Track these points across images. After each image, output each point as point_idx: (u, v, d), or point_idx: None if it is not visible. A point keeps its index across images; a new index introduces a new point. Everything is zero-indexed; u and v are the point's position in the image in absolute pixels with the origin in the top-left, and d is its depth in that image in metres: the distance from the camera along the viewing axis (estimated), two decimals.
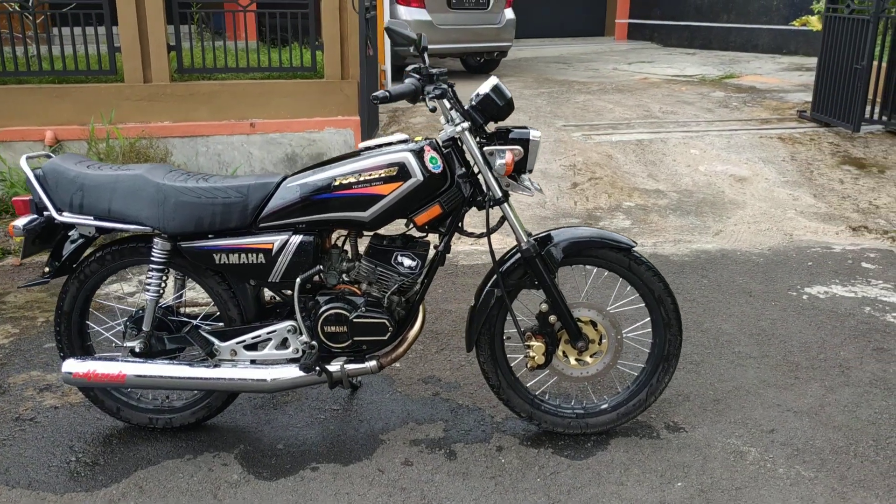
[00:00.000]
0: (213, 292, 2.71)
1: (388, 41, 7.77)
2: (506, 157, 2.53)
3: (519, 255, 2.68)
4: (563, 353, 2.75)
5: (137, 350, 2.72)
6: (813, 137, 6.84)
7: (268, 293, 2.86)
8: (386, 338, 2.65)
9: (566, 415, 2.81)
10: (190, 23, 6.00)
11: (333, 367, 2.65)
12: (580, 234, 2.70)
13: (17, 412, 3.01)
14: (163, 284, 2.69)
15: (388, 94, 2.46)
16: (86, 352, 2.84)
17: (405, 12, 8.79)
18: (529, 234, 2.66)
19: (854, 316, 3.78)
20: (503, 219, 2.68)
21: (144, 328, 2.72)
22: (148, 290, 2.68)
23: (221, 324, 2.78)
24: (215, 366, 2.69)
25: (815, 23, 10.14)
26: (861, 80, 6.55)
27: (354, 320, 2.62)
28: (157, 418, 2.85)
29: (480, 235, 2.72)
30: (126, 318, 2.82)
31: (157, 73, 5.82)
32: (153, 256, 2.65)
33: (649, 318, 2.77)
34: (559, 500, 2.48)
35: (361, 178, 2.55)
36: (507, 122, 2.66)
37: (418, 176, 2.55)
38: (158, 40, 5.76)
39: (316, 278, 2.69)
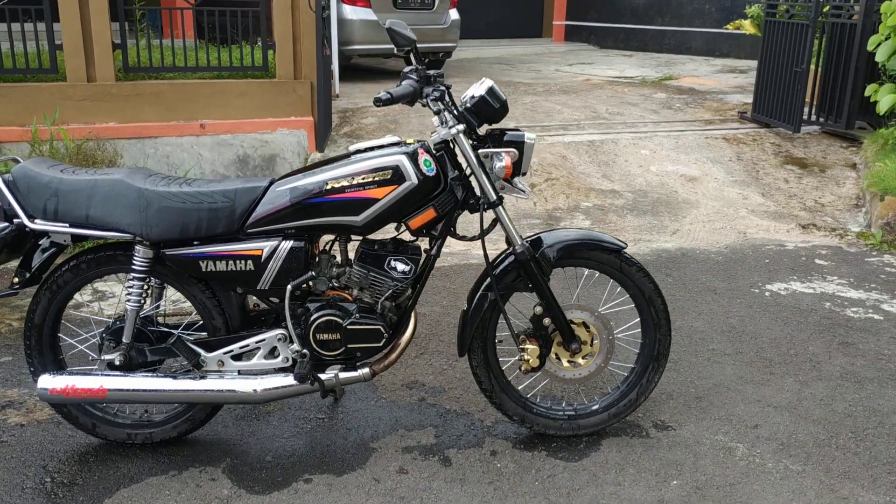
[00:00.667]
0: (197, 301, 2.61)
1: (336, 41, 7.68)
2: (504, 160, 2.51)
3: (512, 257, 2.66)
4: (556, 355, 2.75)
5: (117, 363, 2.59)
6: (755, 138, 7.05)
7: (252, 300, 2.76)
8: (381, 344, 2.60)
9: (558, 417, 2.81)
10: (135, 20, 5.80)
11: (327, 375, 2.58)
12: (572, 237, 2.70)
13: None
14: (144, 294, 2.58)
15: (390, 95, 2.41)
16: (58, 366, 2.69)
17: (351, 11, 8.69)
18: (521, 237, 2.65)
19: (816, 311, 3.90)
20: (495, 222, 2.66)
21: (125, 340, 2.59)
22: (129, 301, 2.56)
23: (204, 333, 2.68)
24: (201, 377, 2.58)
25: (748, 27, 10.48)
26: (801, 83, 6.79)
27: (348, 327, 2.56)
28: (136, 433, 2.73)
29: (473, 238, 2.69)
30: (102, 330, 2.69)
31: (101, 72, 5.59)
32: (134, 265, 2.53)
33: (639, 319, 2.79)
34: (559, 503, 2.47)
35: (354, 182, 2.50)
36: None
37: (413, 179, 2.51)
38: (103, 38, 5.53)
39: (304, 285, 2.61)
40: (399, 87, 2.50)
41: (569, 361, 2.76)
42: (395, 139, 2.61)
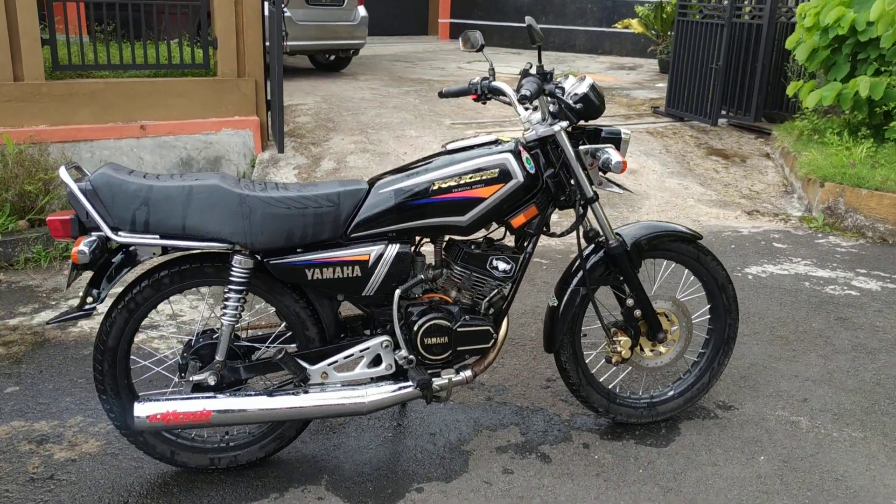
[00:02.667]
0: (290, 312, 2.46)
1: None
2: (616, 155, 2.54)
3: (601, 252, 2.70)
4: (640, 345, 2.82)
5: (211, 383, 2.41)
6: (675, 131, 7.47)
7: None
8: (489, 345, 2.57)
9: (638, 405, 2.88)
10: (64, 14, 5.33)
11: (440, 381, 2.52)
12: (654, 229, 2.78)
13: (25, 471, 2.54)
14: (241, 307, 2.41)
15: (529, 92, 2.42)
16: (131, 392, 2.46)
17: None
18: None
19: (801, 291, 4.21)
20: (579, 219, 2.69)
21: (218, 357, 2.41)
22: (225, 315, 2.38)
23: (293, 346, 2.54)
24: (304, 392, 2.45)
25: (636, 26, 11.07)
26: (717, 80, 7.26)
27: (458, 330, 2.51)
28: (220, 457, 2.54)
29: (563, 234, 2.71)
30: (184, 349, 2.48)
31: (29, 70, 5.10)
32: (233, 276, 2.35)
33: (709, 306, 2.92)
34: (671, 489, 2.55)
35: (462, 182, 2.45)
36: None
37: (519, 177, 2.50)
38: (30, 33, 5.05)
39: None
40: (528, 83, 2.48)
41: (651, 350, 2.84)
42: (489, 137, 2.58)
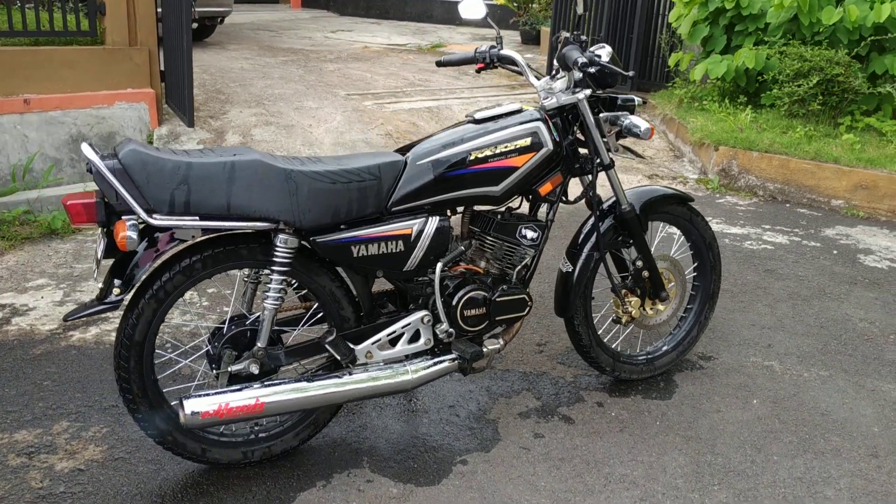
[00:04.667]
0: (325, 292, 2.35)
1: None
2: (643, 122, 2.61)
3: (610, 217, 2.79)
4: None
5: (255, 371, 2.26)
6: None
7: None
8: (525, 313, 2.59)
9: (639, 362, 3.02)
10: None
11: (486, 351, 2.52)
12: (655, 193, 2.89)
13: (29, 488, 2.28)
14: (285, 290, 2.27)
15: (589, 60, 2.43)
16: (157, 389, 2.27)
17: None
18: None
19: (726, 247, 4.53)
20: (589, 185, 2.76)
21: (260, 343, 2.26)
22: (268, 298, 2.24)
23: (325, 326, 2.44)
24: (349, 373, 2.36)
25: None
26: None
27: (497, 300, 2.51)
28: (253, 450, 2.40)
29: (575, 201, 2.76)
30: (212, 338, 2.31)
31: None
32: (277, 257, 2.21)
33: (696, 264, 3.09)
34: (691, 437, 2.71)
35: (497, 151, 2.44)
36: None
37: (549, 145, 2.52)
38: None
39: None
40: (571, 52, 2.49)
41: (651, 309, 2.97)
42: (516, 105, 2.58)
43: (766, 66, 6.07)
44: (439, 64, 2.88)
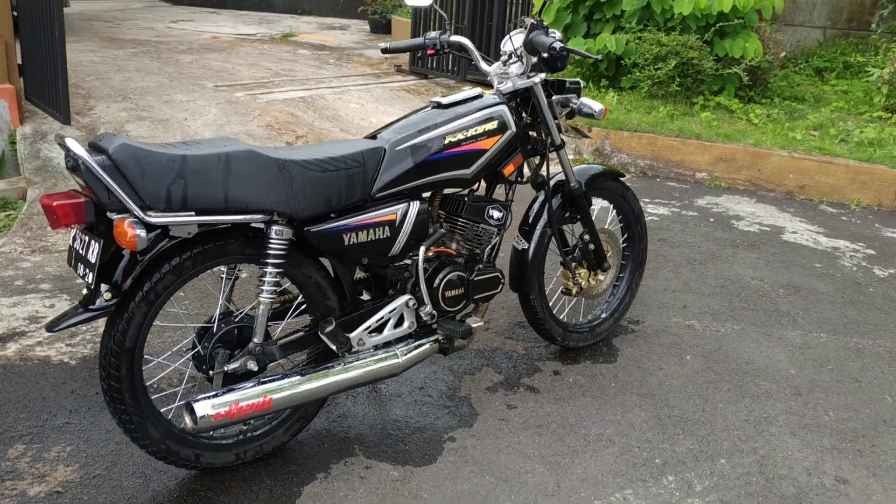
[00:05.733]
0: (311, 282, 2.33)
1: None
2: (596, 104, 2.76)
3: (559, 195, 2.93)
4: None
5: (253, 368, 2.20)
6: (427, 89, 7.85)
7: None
8: (499, 290, 2.68)
9: (584, 330, 3.20)
10: None
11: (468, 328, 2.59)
12: (593, 171, 3.07)
13: None
14: (280, 282, 2.22)
15: (560, 45, 2.51)
16: (147, 396, 2.16)
17: None
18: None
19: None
20: (540, 164, 2.89)
21: (256, 339, 2.20)
22: (262, 292, 2.18)
23: (309, 317, 2.41)
24: (345, 362, 2.35)
25: None
26: (465, 37, 7.73)
27: (475, 279, 2.59)
28: (245, 450, 2.34)
29: (527, 181, 2.88)
30: (201, 338, 2.23)
31: None
32: (272, 249, 2.16)
33: (627, 235, 3.31)
34: (645, 394, 2.92)
35: (469, 134, 2.51)
36: None
37: (513, 128, 2.62)
38: None
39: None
40: (540, 36, 2.57)
41: (593, 279, 3.16)
42: (476, 90, 2.65)
43: (625, 50, 6.50)
44: (385, 51, 2.89)
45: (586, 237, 3.02)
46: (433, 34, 2.80)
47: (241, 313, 2.27)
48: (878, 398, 2.99)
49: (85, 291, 2.01)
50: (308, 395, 2.24)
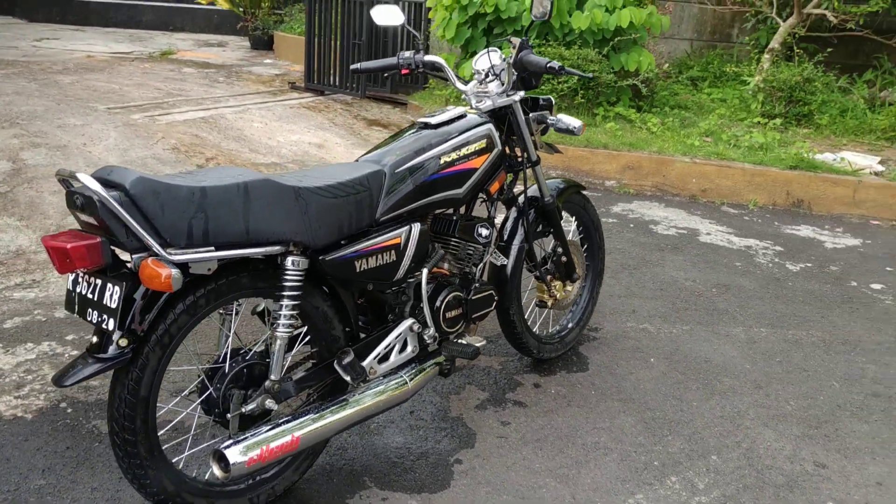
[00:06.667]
0: (318, 312, 2.25)
1: None
2: (574, 120, 2.81)
3: (533, 209, 2.98)
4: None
5: (273, 407, 2.09)
6: (326, 105, 7.75)
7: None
8: (493, 308, 2.68)
9: (555, 341, 3.25)
10: None
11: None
12: (561, 185, 3.13)
13: None
14: (297, 315, 2.12)
15: (557, 65, 2.53)
16: (161, 448, 2.01)
17: None
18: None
19: None
20: (513, 183, 2.93)
21: (273, 377, 2.10)
22: (279, 326, 2.08)
23: (316, 349, 2.33)
24: (359, 392, 2.28)
25: (221, 1, 10.93)
26: (362, 54, 7.71)
27: (472, 298, 2.58)
28: (258, 494, 2.22)
29: (501, 198, 2.90)
30: (213, 379, 2.10)
31: None
32: (288, 280, 2.06)
33: (587, 245, 3.40)
34: (625, 399, 3.01)
35: (461, 154, 2.51)
36: None
37: (498, 146, 2.65)
38: None
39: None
40: (529, 56, 2.58)
41: (564, 290, 3.22)
42: (460, 109, 2.65)
43: None
44: (355, 71, 2.84)
45: (559, 249, 3.08)
46: (407, 54, 2.78)
47: (251, 350, 2.16)
48: (827, 385, 3.22)
49: (95, 339, 1.85)
50: (331, 430, 2.16)
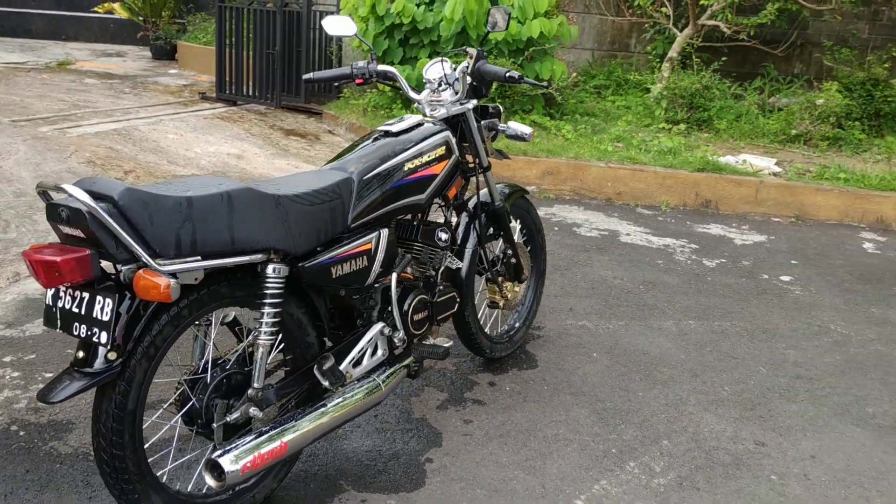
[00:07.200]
0: (293, 320, 2.27)
1: None
2: (524, 127, 2.92)
3: (483, 214, 3.08)
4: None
5: (258, 415, 2.10)
6: (241, 116, 7.65)
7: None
8: (455, 310, 2.75)
9: (504, 341, 3.36)
10: None
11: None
12: (505, 190, 3.24)
13: None
14: (278, 322, 2.14)
15: (517, 74, 2.61)
16: (147, 463, 1.99)
17: None
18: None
19: None
20: (465, 187, 3.02)
21: (256, 384, 2.10)
22: (261, 334, 2.09)
23: (290, 356, 2.34)
24: (339, 395, 2.31)
25: (120, 10, 10.60)
26: (277, 64, 7.65)
27: (437, 301, 2.65)
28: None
29: (459, 203, 2.99)
30: (194, 390, 2.08)
31: None
32: (269, 289, 2.08)
33: (530, 247, 3.53)
34: (576, 392, 3.15)
35: (423, 161, 2.58)
36: None
37: (456, 152, 2.73)
38: None
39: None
40: (486, 66, 2.66)
41: (513, 290, 3.34)
42: (417, 118, 2.72)
43: None
44: (308, 81, 2.87)
45: (509, 251, 3.20)
46: (361, 64, 2.82)
47: (229, 360, 2.16)
48: (755, 370, 3.46)
49: (81, 354, 1.82)
50: (315, 435, 2.18)
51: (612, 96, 8.74)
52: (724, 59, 8.38)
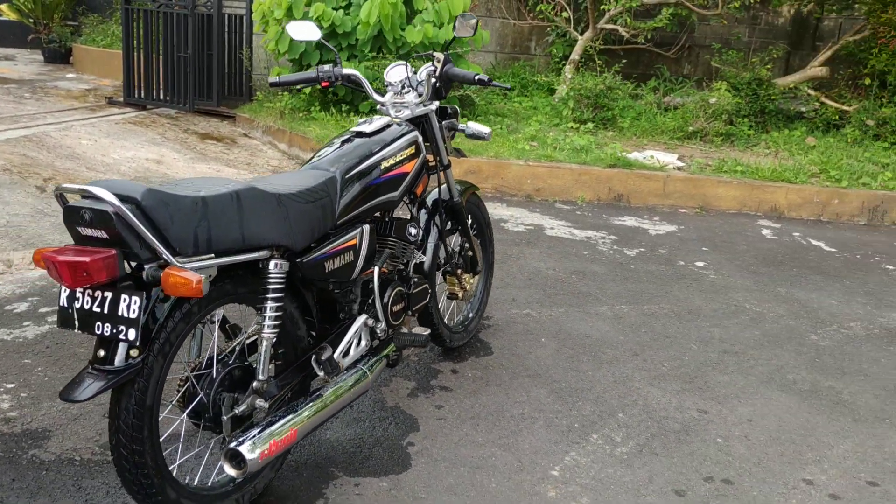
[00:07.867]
0: (286, 314, 2.36)
1: None
2: (483, 127, 3.09)
3: (442, 210, 3.23)
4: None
5: (266, 405, 2.18)
6: (153, 120, 7.49)
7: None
8: (428, 300, 2.89)
9: (460, 331, 3.53)
10: None
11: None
12: (459, 187, 3.41)
13: None
14: (281, 316, 2.22)
15: (486, 77, 2.75)
16: (162, 456, 2.04)
17: None
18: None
19: None
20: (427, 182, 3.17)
21: (261, 377, 2.19)
22: (265, 327, 2.18)
23: (283, 350, 2.43)
24: (334, 384, 2.42)
25: (8, 12, 10.14)
26: (189, 67, 7.53)
27: (413, 293, 2.78)
28: (243, 494, 2.29)
29: (420, 199, 3.13)
30: (201, 385, 2.15)
31: None
32: (271, 283, 2.17)
33: (479, 240, 3.71)
34: (533, 374, 3.35)
35: (397, 159, 2.72)
36: None
37: (424, 151, 2.88)
38: None
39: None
40: (452, 69, 2.80)
41: (469, 282, 3.51)
42: (386, 119, 2.84)
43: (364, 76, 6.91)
44: (273, 85, 2.94)
45: (466, 245, 3.37)
46: (326, 67, 2.92)
47: (232, 353, 2.23)
48: (688, 347, 3.77)
49: (102, 352, 1.86)
50: (318, 421, 2.28)
51: (519, 97, 9.06)
52: (623, 61, 8.85)
